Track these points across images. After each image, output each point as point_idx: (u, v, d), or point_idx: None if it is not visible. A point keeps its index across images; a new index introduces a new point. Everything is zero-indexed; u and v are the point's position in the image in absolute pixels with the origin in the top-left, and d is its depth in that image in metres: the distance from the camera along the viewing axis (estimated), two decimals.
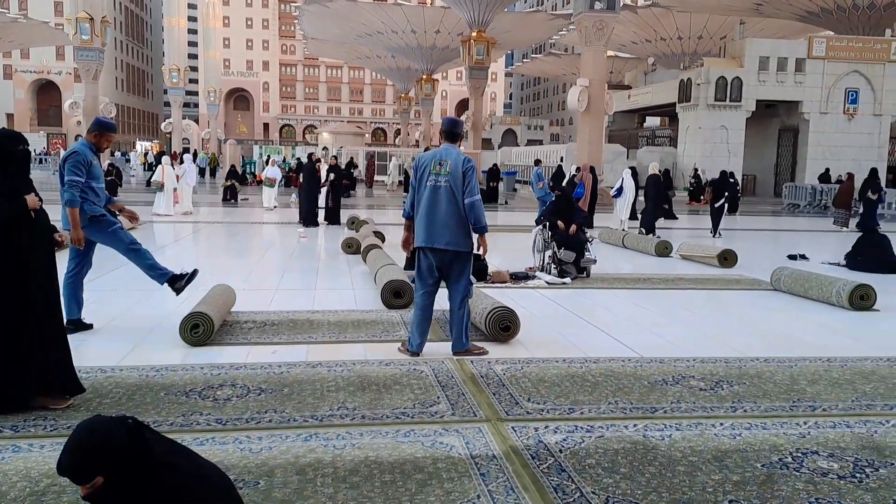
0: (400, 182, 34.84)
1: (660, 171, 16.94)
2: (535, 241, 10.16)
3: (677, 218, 20.87)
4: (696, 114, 32.15)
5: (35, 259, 4.17)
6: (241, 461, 3.52)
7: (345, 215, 16.54)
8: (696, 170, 29.12)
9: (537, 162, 22.37)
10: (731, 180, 20.50)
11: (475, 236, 5.54)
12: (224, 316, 6.42)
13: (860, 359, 5.71)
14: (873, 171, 18.27)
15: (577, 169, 19.22)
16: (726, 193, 16.27)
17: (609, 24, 26.26)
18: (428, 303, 5.63)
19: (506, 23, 51.90)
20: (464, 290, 5.54)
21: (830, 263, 11.44)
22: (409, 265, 8.62)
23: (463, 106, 77.10)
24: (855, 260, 11.05)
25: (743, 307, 8.10)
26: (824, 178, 29.30)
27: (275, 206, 20.48)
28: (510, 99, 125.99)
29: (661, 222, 16.80)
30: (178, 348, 5.65)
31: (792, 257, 11.92)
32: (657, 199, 15.96)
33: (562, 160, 31.98)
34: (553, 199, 11.85)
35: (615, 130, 45.79)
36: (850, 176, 19.68)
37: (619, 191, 16.39)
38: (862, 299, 7.82)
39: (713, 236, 15.72)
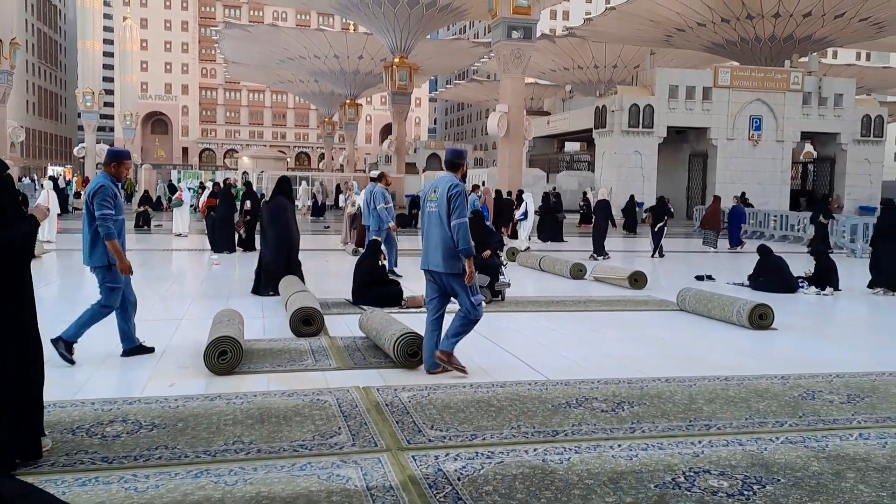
0: (308, 207, 33.36)
1: (608, 195, 17.95)
2: None
3: (566, 241, 21.19)
4: (612, 139, 33.21)
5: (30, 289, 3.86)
6: (124, 501, 3.34)
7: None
8: (584, 194, 30.04)
9: (475, 188, 21.43)
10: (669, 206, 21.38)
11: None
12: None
13: (756, 377, 5.92)
14: (824, 197, 19.31)
15: (474, 187, 19.13)
16: (666, 217, 17.03)
17: (526, 52, 26.95)
18: (431, 320, 5.92)
19: (429, 49, 52.62)
20: (466, 309, 5.75)
21: (735, 284, 11.90)
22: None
23: (387, 131, 77.37)
24: (757, 281, 11.54)
25: (649, 328, 8.32)
26: (742, 201, 30.60)
27: (186, 234, 19.91)
28: (435, 124, 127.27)
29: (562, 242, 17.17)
30: (69, 386, 5.34)
31: (699, 278, 12.35)
32: (606, 222, 16.59)
33: (483, 183, 32.37)
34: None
35: (536, 155, 46.80)
36: (717, 199, 20.40)
37: (525, 214, 16.98)
38: (761, 318, 8.15)
39: (653, 257, 16.47)
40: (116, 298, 6.06)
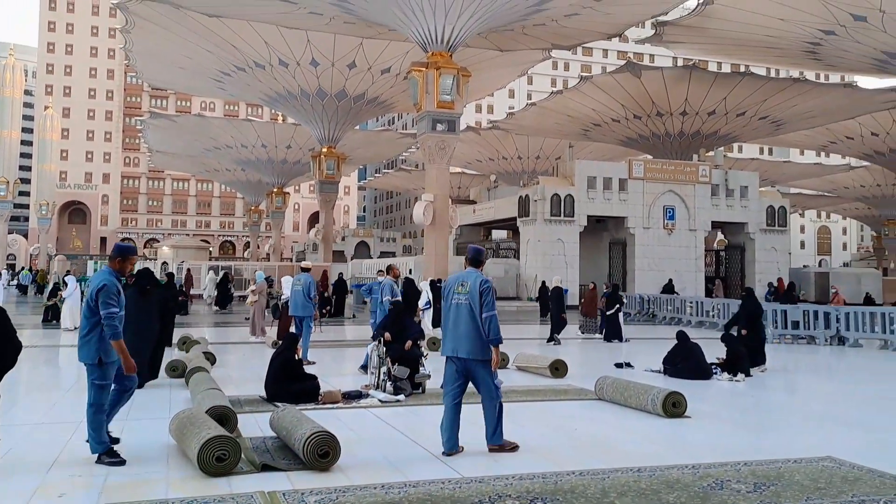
0: (213, 297, 31.81)
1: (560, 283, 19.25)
2: (369, 358, 10.02)
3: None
4: (535, 228, 34.13)
5: None
6: None
7: (199, 332, 15.61)
8: (543, 283, 30.57)
9: (387, 271, 21.46)
10: (621, 293, 22.19)
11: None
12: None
13: (668, 467, 5.95)
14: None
15: (379, 272, 19.29)
16: (618, 304, 18.13)
17: (451, 144, 27.76)
18: (452, 404, 6.34)
19: (357, 139, 53.61)
20: (489, 391, 6.35)
21: (653, 371, 12.11)
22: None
23: (315, 218, 77.39)
24: (673, 367, 11.80)
25: (567, 418, 8.31)
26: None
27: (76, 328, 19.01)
28: (364, 211, 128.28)
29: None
30: None
31: (618, 365, 12.53)
32: (559, 308, 17.61)
33: (410, 272, 32.48)
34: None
35: (463, 243, 47.45)
36: (594, 285, 20.70)
37: (428, 303, 17.32)
38: (674, 406, 8.27)
39: (607, 341, 17.65)
40: (105, 396, 5.96)
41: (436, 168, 27.94)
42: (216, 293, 30.82)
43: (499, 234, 53.89)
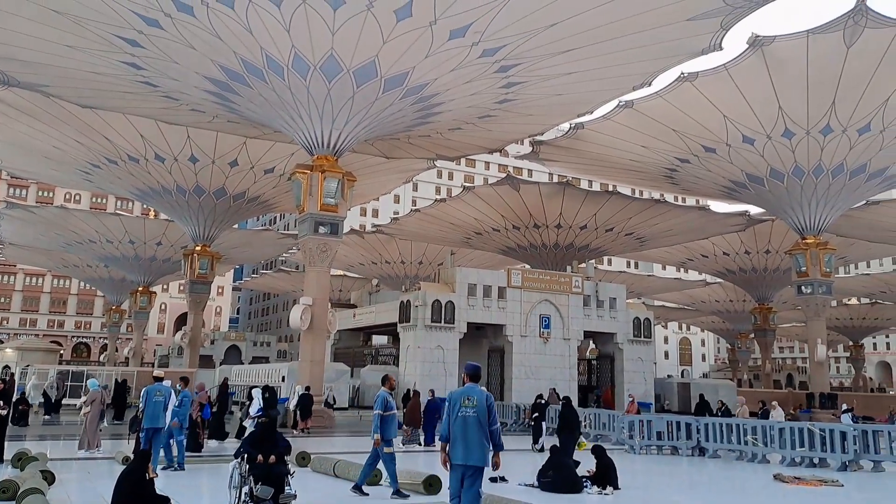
0: (39, 404, 29.59)
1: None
2: (231, 476, 9.11)
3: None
4: (416, 333, 33.85)
5: None
6: None
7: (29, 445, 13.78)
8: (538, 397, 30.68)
9: (382, 381, 18.30)
10: (542, 401, 22.35)
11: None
12: None
13: None
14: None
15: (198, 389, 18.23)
16: (537, 414, 19.58)
17: (333, 247, 27.38)
18: None
19: (235, 238, 52.12)
20: (476, 495, 7.27)
21: (527, 485, 11.82)
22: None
23: (183, 320, 73.60)
24: (546, 476, 11.57)
25: None
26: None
27: None
28: (237, 313, 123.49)
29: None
30: None
31: (493, 480, 12.12)
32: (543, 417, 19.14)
33: (283, 379, 31.08)
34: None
35: (341, 348, 46.36)
36: (416, 394, 20.60)
37: (260, 410, 16.84)
38: None
39: (534, 450, 18.28)
40: None
41: (316, 271, 27.33)
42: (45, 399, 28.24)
43: (379, 340, 53.10)
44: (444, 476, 11.34)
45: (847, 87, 28.15)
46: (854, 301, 72.86)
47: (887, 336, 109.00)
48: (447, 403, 7.37)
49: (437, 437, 16.92)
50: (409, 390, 25.86)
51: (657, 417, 20.75)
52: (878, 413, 39.41)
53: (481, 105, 27.64)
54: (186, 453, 13.59)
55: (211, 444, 17.78)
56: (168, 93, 26.88)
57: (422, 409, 20.36)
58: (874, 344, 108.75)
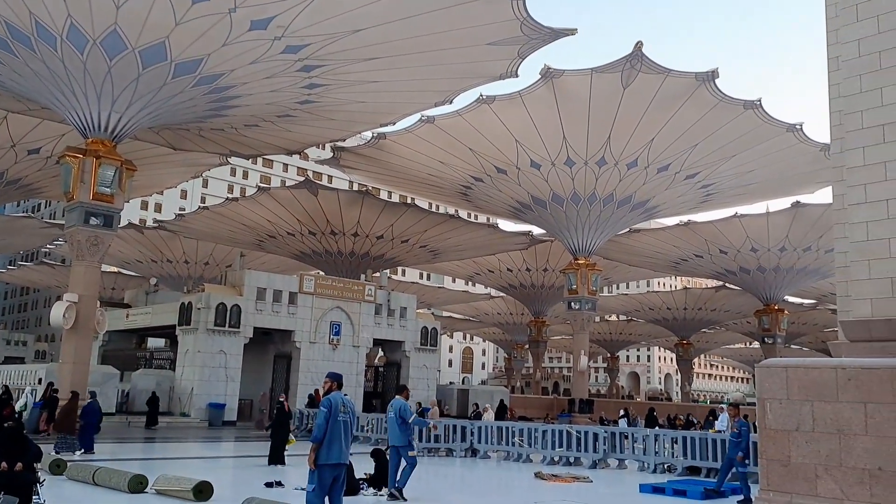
0: None
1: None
2: None
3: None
4: (196, 337, 32.14)
5: None
6: None
7: None
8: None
9: (398, 391, 14.55)
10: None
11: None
12: None
13: None
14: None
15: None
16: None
17: (105, 240, 25.14)
18: None
19: None
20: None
21: (302, 489, 11.70)
22: None
23: None
24: None
25: None
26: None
27: None
28: None
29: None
30: None
31: (268, 485, 11.90)
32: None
33: (40, 381, 27.96)
34: None
35: (111, 350, 42.57)
36: (75, 394, 19.13)
37: None
38: None
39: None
40: None
41: (84, 265, 24.85)
42: None
43: (156, 343, 49.53)
44: (215, 481, 10.91)
45: (621, 124, 31.27)
46: (613, 317, 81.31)
47: (638, 349, 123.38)
48: (329, 409, 7.82)
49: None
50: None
51: (438, 422, 21.57)
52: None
53: (282, 103, 27.05)
54: None
55: None
56: None
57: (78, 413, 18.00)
58: (627, 356, 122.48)
